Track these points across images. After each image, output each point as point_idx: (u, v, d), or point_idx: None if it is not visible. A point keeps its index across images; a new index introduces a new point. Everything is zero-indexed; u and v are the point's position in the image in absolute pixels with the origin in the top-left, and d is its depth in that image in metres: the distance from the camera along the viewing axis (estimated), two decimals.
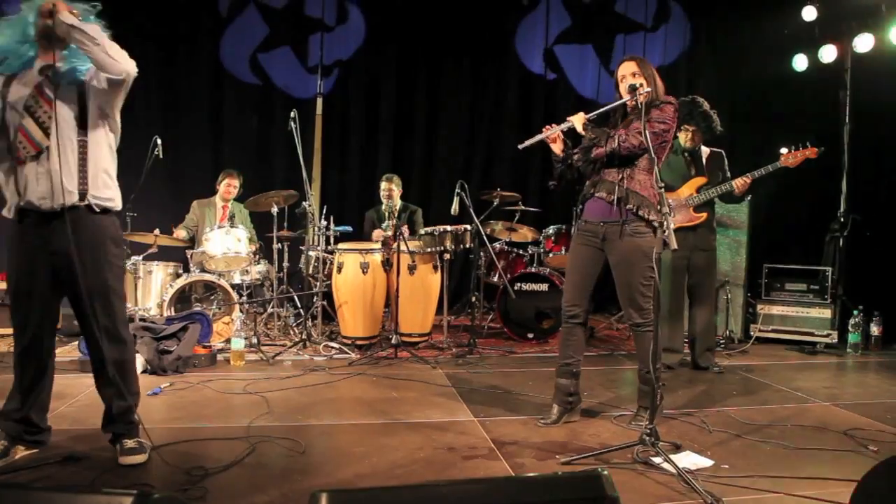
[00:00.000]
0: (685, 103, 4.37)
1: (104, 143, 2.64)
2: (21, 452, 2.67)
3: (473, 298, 5.26)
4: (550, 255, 5.90)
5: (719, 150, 4.59)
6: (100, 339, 2.61)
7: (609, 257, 3.18)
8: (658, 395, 2.93)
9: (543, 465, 2.74)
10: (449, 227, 5.04)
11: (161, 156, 5.03)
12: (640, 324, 3.15)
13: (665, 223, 2.68)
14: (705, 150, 4.55)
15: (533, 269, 5.68)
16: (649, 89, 3.03)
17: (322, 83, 6.98)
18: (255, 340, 4.82)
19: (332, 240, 5.37)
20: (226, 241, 5.06)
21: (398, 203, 5.97)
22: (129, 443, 2.67)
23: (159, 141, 4.98)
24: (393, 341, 4.77)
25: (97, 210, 2.59)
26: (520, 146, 3.36)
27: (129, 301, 5.15)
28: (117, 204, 2.68)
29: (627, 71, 3.14)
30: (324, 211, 5.42)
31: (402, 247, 4.89)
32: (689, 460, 2.74)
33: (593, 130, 3.15)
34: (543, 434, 3.13)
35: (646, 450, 2.75)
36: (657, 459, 2.69)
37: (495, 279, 5.88)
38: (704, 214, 4.41)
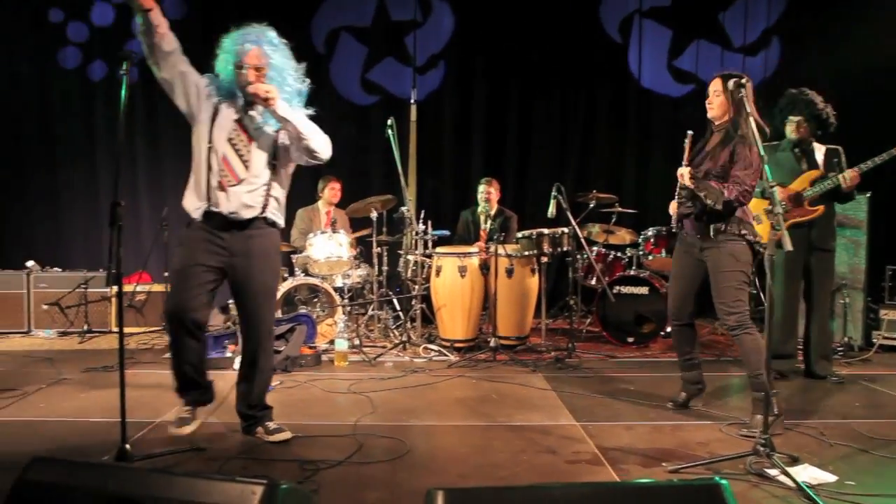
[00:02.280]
0: (789, 95, 4.19)
1: (284, 180, 3.03)
2: (201, 415, 3.14)
3: (571, 302, 5.20)
4: (650, 257, 5.74)
5: (836, 147, 4.31)
6: (260, 332, 2.97)
7: (707, 263, 3.33)
8: (773, 403, 2.81)
9: (650, 473, 2.68)
10: (546, 231, 5.01)
11: None
12: (734, 327, 3.24)
13: (778, 224, 2.56)
14: (820, 148, 4.28)
15: (632, 272, 5.55)
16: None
17: (416, 91, 7.13)
18: (357, 342, 4.98)
19: (429, 244, 5.46)
20: (328, 245, 5.26)
21: (495, 207, 6.00)
22: (272, 424, 3.01)
23: None
24: (491, 344, 4.80)
25: (269, 223, 2.94)
26: None
27: None
28: (282, 223, 3.04)
29: (712, 88, 3.31)
30: (421, 215, 5.53)
31: (500, 250, 4.91)
32: (808, 474, 2.59)
33: (701, 185, 3.23)
34: (648, 441, 3.06)
35: (760, 461, 2.63)
36: (772, 472, 2.56)
37: (593, 282, 5.79)
38: (820, 208, 4.13)
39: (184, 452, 2.79)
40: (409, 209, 5.30)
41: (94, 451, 2.81)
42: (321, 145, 2.90)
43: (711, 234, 3.27)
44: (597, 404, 3.67)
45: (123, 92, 2.63)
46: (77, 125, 7.43)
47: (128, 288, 5.98)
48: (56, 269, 6.20)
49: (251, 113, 2.87)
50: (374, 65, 7.26)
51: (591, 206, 5.80)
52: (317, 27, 7.19)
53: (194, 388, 3.07)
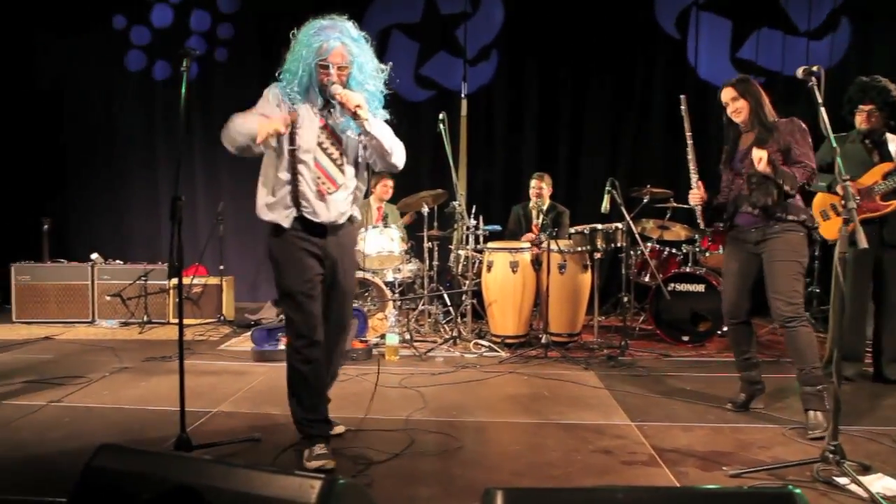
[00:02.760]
0: (859, 82, 4.00)
1: (365, 177, 2.89)
2: (319, 450, 2.63)
3: (625, 299, 5.09)
4: (707, 254, 5.58)
5: None
6: (344, 334, 2.90)
7: (763, 256, 3.24)
8: (826, 398, 2.70)
9: (710, 477, 2.59)
10: (599, 226, 4.92)
11: None
12: (791, 319, 3.13)
13: (852, 219, 2.44)
14: (893, 138, 4.06)
15: (688, 269, 5.40)
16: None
17: (467, 84, 7.10)
18: (407, 336, 4.99)
19: (481, 239, 5.43)
20: (380, 240, 5.29)
21: (547, 202, 5.91)
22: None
23: None
24: (543, 341, 4.74)
25: (351, 220, 2.82)
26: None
27: None
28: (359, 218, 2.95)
29: (728, 97, 3.30)
30: (472, 210, 5.50)
31: (553, 246, 4.84)
32: (881, 484, 2.46)
33: (779, 171, 3.13)
34: (706, 442, 2.97)
35: (828, 468, 2.50)
36: (842, 480, 2.44)
37: (646, 279, 5.66)
38: (893, 203, 3.93)
39: (241, 443, 2.84)
40: (460, 204, 5.28)
41: (155, 439, 2.90)
42: (400, 158, 2.76)
43: (769, 223, 3.18)
44: (652, 404, 3.59)
45: (183, 88, 2.68)
46: (138, 123, 7.73)
47: (184, 281, 6.14)
48: (118, 261, 6.42)
49: (334, 112, 2.68)
50: (427, 60, 7.27)
51: (646, 200, 5.66)
52: (366, 28, 7.20)
53: (326, 422, 2.78)
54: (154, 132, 7.70)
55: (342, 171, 2.70)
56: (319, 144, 2.65)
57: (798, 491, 1.32)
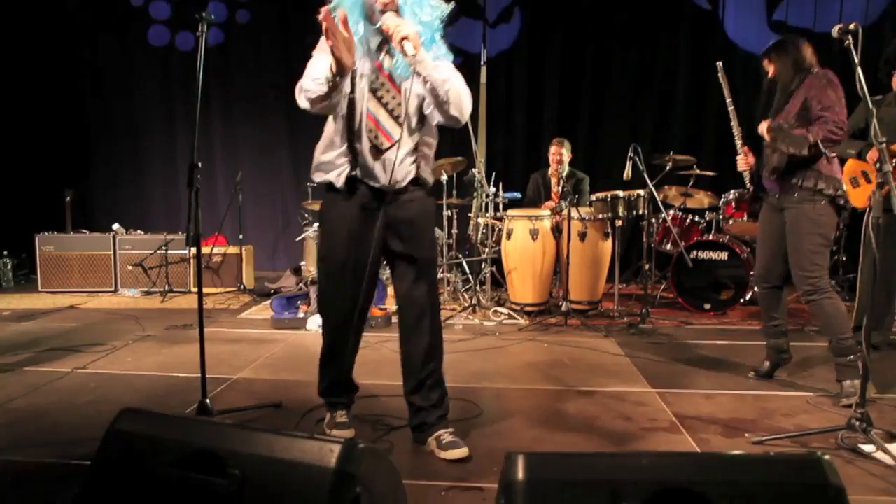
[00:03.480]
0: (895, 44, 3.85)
1: (434, 130, 2.46)
2: (340, 418, 2.60)
3: (646, 267, 5.03)
4: (731, 221, 5.48)
5: None
6: (422, 309, 2.48)
7: (786, 222, 3.18)
8: (862, 368, 2.63)
9: (732, 444, 2.57)
10: (621, 193, 4.84)
11: None
12: (811, 292, 3.08)
13: (887, 182, 2.36)
14: None
15: (711, 237, 5.31)
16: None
17: (486, 50, 6.97)
18: None
19: (500, 206, 5.38)
20: None
21: (566, 168, 5.83)
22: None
23: None
24: (563, 308, 4.71)
25: (422, 184, 2.44)
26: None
27: (312, 265, 5.55)
28: (431, 182, 2.52)
29: (766, 67, 3.23)
30: (492, 178, 5.44)
31: (573, 213, 4.78)
32: None
33: (779, 135, 3.07)
34: (729, 410, 2.93)
35: (853, 436, 2.47)
36: (867, 448, 2.41)
37: (667, 247, 5.59)
38: None
39: (262, 408, 2.87)
40: (479, 171, 5.22)
41: (177, 405, 2.93)
42: (460, 108, 2.27)
43: (788, 191, 3.11)
44: (673, 371, 3.56)
45: (201, 53, 2.64)
46: (158, 94, 7.74)
47: (204, 250, 6.19)
48: (139, 231, 6.47)
49: (392, 53, 2.26)
50: (446, 25, 7.13)
51: (668, 168, 5.56)
52: None
53: (348, 391, 2.67)
54: (173, 101, 7.72)
55: (400, 125, 2.31)
56: (373, 92, 2.29)
57: (826, 457, 1.28)
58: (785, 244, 3.24)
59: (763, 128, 3.13)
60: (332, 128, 2.38)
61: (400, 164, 2.33)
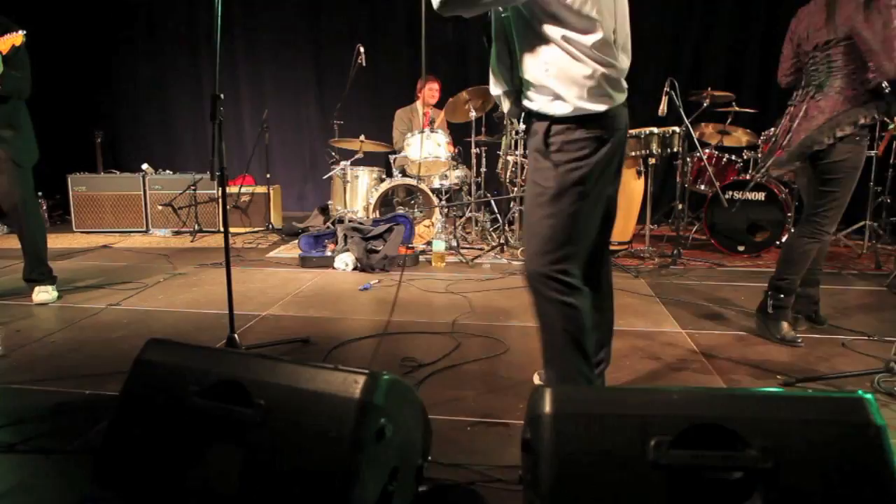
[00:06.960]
0: None
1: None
2: None
3: (680, 206, 4.90)
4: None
5: None
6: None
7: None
8: None
9: (764, 385, 2.52)
10: (656, 129, 4.67)
11: (364, 64, 5.16)
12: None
13: None
14: None
15: (747, 176, 5.14)
16: None
17: None
18: (454, 243, 4.95)
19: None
20: (426, 145, 5.17)
21: None
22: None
23: (362, 49, 5.10)
24: None
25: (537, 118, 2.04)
26: None
27: (339, 203, 5.53)
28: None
29: None
30: (521, 116, 5.29)
31: None
32: None
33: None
34: (761, 352, 2.88)
35: (891, 379, 2.41)
36: None
37: (702, 187, 5.43)
38: None
39: (289, 343, 2.89)
40: None
41: (207, 340, 2.97)
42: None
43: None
44: (704, 313, 3.49)
45: None
46: (184, 31, 7.64)
47: (232, 190, 6.20)
48: (168, 171, 6.50)
49: None
50: None
51: (706, 104, 5.34)
52: None
53: None
54: (197, 39, 7.62)
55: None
56: None
57: (870, 395, 1.23)
58: None
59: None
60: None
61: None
